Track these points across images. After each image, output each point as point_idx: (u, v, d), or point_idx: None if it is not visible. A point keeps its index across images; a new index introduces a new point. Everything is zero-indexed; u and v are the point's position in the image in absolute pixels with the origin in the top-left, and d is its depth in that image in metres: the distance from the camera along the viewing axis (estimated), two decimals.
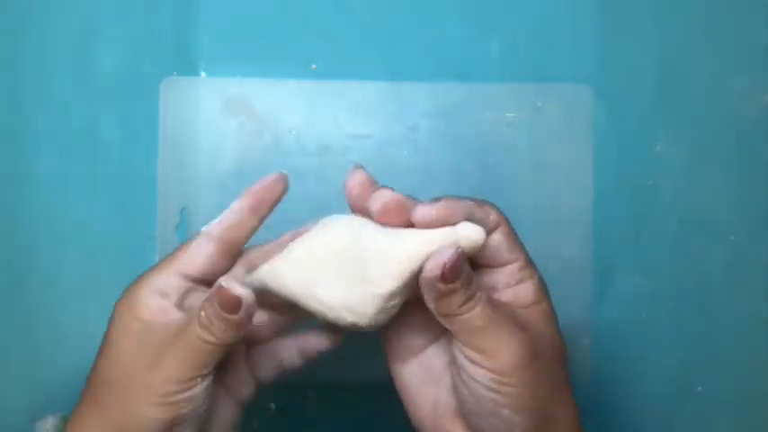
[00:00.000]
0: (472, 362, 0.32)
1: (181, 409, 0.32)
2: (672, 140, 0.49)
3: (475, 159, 0.49)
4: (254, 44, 0.49)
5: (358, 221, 0.34)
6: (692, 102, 0.49)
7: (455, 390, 0.34)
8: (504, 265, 0.35)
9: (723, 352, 0.49)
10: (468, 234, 0.33)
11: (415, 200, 0.34)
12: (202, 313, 0.32)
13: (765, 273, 0.49)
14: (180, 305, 0.35)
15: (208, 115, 0.48)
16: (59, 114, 0.48)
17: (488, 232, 0.34)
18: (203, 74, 0.49)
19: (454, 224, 0.34)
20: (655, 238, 0.49)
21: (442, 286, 0.32)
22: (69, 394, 0.47)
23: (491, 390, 0.32)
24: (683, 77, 0.49)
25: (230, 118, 0.49)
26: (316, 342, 0.38)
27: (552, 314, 0.35)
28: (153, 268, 0.35)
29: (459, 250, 0.32)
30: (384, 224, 0.34)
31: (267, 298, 0.35)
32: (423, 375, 0.36)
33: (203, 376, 0.32)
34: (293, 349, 0.38)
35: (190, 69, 0.49)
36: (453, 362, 0.34)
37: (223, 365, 0.35)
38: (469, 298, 0.32)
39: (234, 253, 0.36)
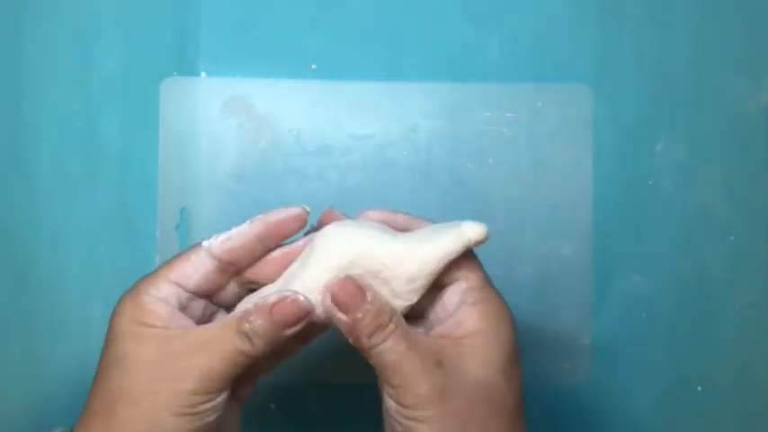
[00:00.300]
0: (388, 395, 0.32)
1: (206, 419, 0.31)
2: (672, 140, 0.49)
3: (475, 159, 0.49)
4: (254, 44, 0.49)
5: (358, 231, 0.34)
6: (692, 102, 0.49)
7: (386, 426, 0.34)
8: (451, 283, 0.34)
9: (723, 352, 0.49)
10: (473, 228, 0.34)
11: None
12: (246, 325, 0.31)
13: (765, 273, 0.49)
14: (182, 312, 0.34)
15: (208, 115, 0.48)
16: (59, 114, 0.48)
17: None
18: (203, 74, 0.49)
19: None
20: (655, 238, 0.49)
21: (342, 316, 0.32)
22: (69, 394, 0.47)
23: (402, 424, 0.32)
24: (682, 77, 0.49)
25: (230, 118, 0.49)
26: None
27: (494, 355, 0.32)
28: (151, 276, 0.34)
29: (343, 277, 0.32)
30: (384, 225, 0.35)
31: None
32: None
33: (229, 386, 0.32)
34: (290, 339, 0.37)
35: (190, 69, 0.49)
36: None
37: None
38: (378, 328, 0.32)
39: (232, 273, 0.35)
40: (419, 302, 0.34)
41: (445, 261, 0.33)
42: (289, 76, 0.49)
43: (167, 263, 0.34)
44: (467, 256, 0.34)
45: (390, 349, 0.32)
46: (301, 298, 0.32)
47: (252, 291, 0.36)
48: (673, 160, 0.49)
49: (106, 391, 0.32)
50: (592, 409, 0.49)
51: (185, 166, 0.48)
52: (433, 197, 0.48)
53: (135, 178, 0.48)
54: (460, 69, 0.49)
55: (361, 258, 0.33)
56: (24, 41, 0.48)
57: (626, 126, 0.49)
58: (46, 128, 0.48)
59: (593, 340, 0.49)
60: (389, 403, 0.32)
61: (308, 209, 0.35)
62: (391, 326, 0.32)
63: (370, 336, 0.32)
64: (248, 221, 0.34)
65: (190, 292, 0.34)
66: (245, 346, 0.31)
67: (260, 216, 0.34)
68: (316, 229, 0.36)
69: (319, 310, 0.33)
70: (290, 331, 0.32)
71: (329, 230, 0.34)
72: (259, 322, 0.31)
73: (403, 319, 0.33)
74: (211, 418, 0.32)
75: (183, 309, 0.34)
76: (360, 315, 0.32)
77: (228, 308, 0.36)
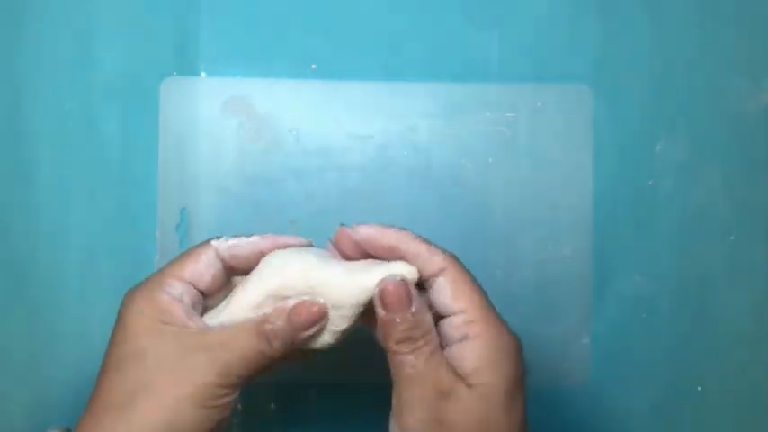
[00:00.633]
0: (393, 404, 0.34)
1: (224, 413, 0.33)
2: (672, 140, 0.49)
3: (475, 159, 0.49)
4: (254, 44, 0.49)
5: (295, 257, 0.35)
6: (692, 102, 0.49)
7: None
8: (449, 314, 0.34)
9: (723, 352, 0.49)
10: (399, 270, 0.34)
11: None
12: (268, 326, 0.33)
13: (765, 273, 0.49)
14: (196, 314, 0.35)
15: (208, 115, 0.48)
16: (59, 114, 0.48)
17: (429, 276, 0.34)
18: (203, 74, 0.49)
19: (390, 260, 0.35)
20: (655, 238, 0.49)
21: (381, 311, 0.33)
22: (69, 394, 0.47)
23: None
24: (682, 77, 0.49)
25: (230, 118, 0.49)
26: None
27: (499, 394, 0.32)
28: (162, 274, 0.34)
29: (400, 279, 0.33)
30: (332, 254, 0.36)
31: None
32: None
33: (247, 383, 0.34)
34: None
35: (190, 69, 0.49)
36: None
37: None
38: (408, 339, 0.33)
39: (230, 276, 0.37)
40: None
41: (368, 294, 0.34)
42: (289, 76, 0.49)
43: (176, 261, 0.35)
44: (465, 285, 0.34)
45: (411, 364, 0.33)
46: (318, 302, 0.34)
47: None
48: (673, 160, 0.49)
49: (124, 383, 0.32)
50: (591, 410, 0.49)
51: (185, 166, 0.48)
52: (432, 197, 0.48)
53: (135, 178, 0.48)
54: (460, 69, 0.49)
55: (293, 282, 0.34)
56: (24, 41, 0.48)
57: (626, 126, 0.49)
58: (46, 128, 0.48)
59: (593, 340, 0.49)
60: (391, 420, 0.34)
61: (312, 242, 0.37)
62: (420, 342, 0.33)
63: (398, 342, 0.33)
64: (259, 236, 0.36)
65: (199, 291, 0.35)
66: (264, 347, 0.33)
67: (270, 235, 0.36)
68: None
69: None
70: (306, 333, 0.34)
71: (271, 255, 0.35)
72: (279, 324, 0.33)
73: (435, 342, 0.33)
74: (228, 412, 0.33)
75: (194, 308, 0.35)
76: (398, 319, 0.33)
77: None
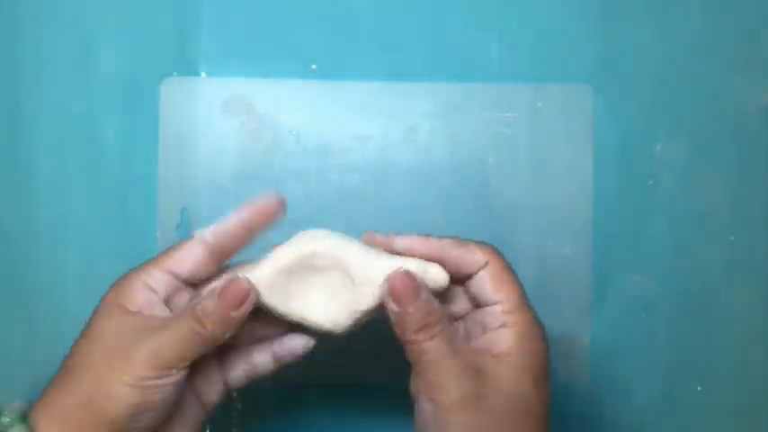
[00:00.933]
0: (423, 395, 0.34)
1: (150, 396, 0.33)
2: (672, 140, 0.49)
3: (475, 159, 0.49)
4: (254, 44, 0.49)
5: (338, 236, 0.37)
6: (692, 102, 0.49)
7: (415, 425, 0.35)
8: (489, 305, 0.36)
9: (723, 352, 0.49)
10: (434, 274, 0.36)
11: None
12: (198, 307, 0.34)
13: (765, 273, 0.49)
14: (167, 301, 0.36)
15: (208, 115, 0.48)
16: (59, 114, 0.48)
17: (470, 273, 0.36)
18: (203, 74, 0.49)
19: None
20: (655, 238, 0.49)
21: (393, 306, 0.34)
22: None
23: (435, 426, 0.33)
24: (682, 77, 0.49)
25: (230, 118, 0.49)
26: (290, 346, 0.38)
27: (529, 369, 0.34)
28: (145, 264, 0.36)
29: (404, 272, 0.34)
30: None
31: None
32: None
33: (180, 369, 0.34)
34: (267, 354, 0.39)
35: (190, 69, 0.49)
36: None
37: (194, 366, 0.35)
38: (426, 326, 0.34)
39: (222, 260, 0.37)
40: (458, 316, 0.37)
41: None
42: (289, 76, 0.49)
43: (163, 252, 0.36)
44: (505, 277, 0.36)
45: (434, 349, 0.34)
46: (242, 279, 0.35)
47: None
48: (673, 160, 0.49)
49: (69, 359, 0.35)
50: (591, 409, 0.49)
51: (185, 166, 0.48)
52: (432, 197, 0.48)
53: (135, 178, 0.48)
54: (460, 69, 0.49)
55: (324, 250, 0.36)
56: (24, 41, 0.48)
57: (626, 126, 0.49)
58: (46, 128, 0.48)
59: (593, 340, 0.49)
60: (424, 404, 0.34)
61: (284, 196, 0.37)
62: (438, 327, 0.34)
63: (417, 331, 0.34)
64: (234, 211, 0.37)
65: (181, 281, 0.36)
66: (198, 327, 0.34)
67: (244, 206, 0.37)
68: None
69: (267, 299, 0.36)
70: (236, 313, 0.34)
71: (304, 232, 0.37)
72: (209, 303, 0.34)
73: (448, 324, 0.35)
74: (156, 397, 0.33)
75: (170, 298, 0.36)
76: (411, 310, 0.34)
77: None
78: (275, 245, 0.37)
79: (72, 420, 0.33)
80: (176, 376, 0.34)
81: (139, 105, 0.48)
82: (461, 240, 0.37)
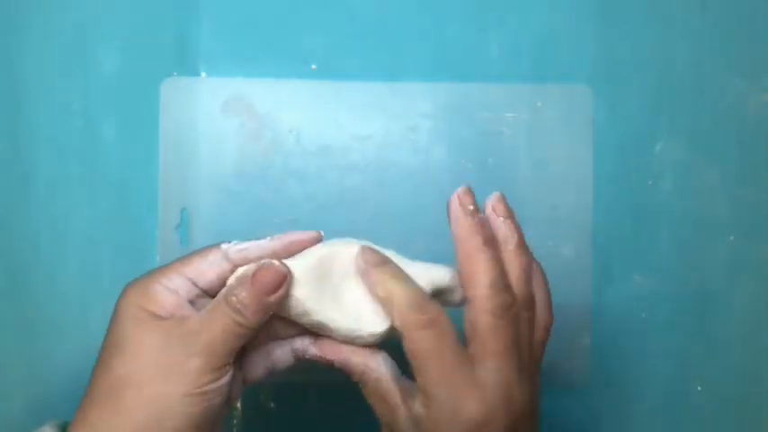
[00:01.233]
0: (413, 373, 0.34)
1: (212, 400, 0.32)
2: (672, 140, 0.49)
3: (475, 159, 0.49)
4: (254, 44, 0.49)
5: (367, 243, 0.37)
6: (692, 102, 0.49)
7: None
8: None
9: (723, 352, 0.49)
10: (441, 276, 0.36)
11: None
12: (234, 298, 0.33)
13: (765, 273, 0.49)
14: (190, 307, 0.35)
15: (208, 115, 0.48)
16: (59, 114, 0.48)
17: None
18: (203, 74, 0.49)
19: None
20: (654, 238, 0.49)
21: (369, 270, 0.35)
22: (69, 395, 0.47)
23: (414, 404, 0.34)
24: (682, 77, 0.49)
25: (230, 118, 0.49)
26: (310, 341, 0.38)
27: (502, 379, 0.33)
28: (165, 267, 0.35)
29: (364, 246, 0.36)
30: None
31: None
32: None
33: (231, 364, 0.33)
34: (287, 349, 0.38)
35: (190, 69, 0.49)
36: None
37: None
38: (425, 324, 0.33)
39: None
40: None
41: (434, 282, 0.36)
42: (289, 76, 0.49)
43: (184, 258, 0.35)
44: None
45: (424, 344, 0.34)
46: (276, 263, 0.34)
47: None
48: (673, 160, 0.49)
49: (110, 376, 0.32)
50: (591, 410, 0.49)
51: (185, 166, 0.48)
52: (432, 197, 0.48)
53: (135, 178, 0.48)
54: (460, 69, 0.49)
55: (347, 258, 0.36)
56: (24, 41, 0.48)
57: (626, 126, 0.49)
58: (46, 128, 0.48)
59: (593, 340, 0.49)
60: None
61: (322, 233, 0.37)
62: (439, 328, 0.34)
63: (416, 329, 0.34)
64: (268, 238, 0.36)
65: (201, 289, 0.35)
66: (238, 317, 0.33)
67: (279, 236, 0.36)
68: None
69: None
70: (273, 297, 0.33)
71: (332, 241, 0.37)
72: (243, 294, 0.33)
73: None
74: (217, 400, 0.33)
75: (194, 304, 0.35)
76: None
77: None
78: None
79: None
80: (228, 373, 0.33)
81: (139, 105, 0.48)
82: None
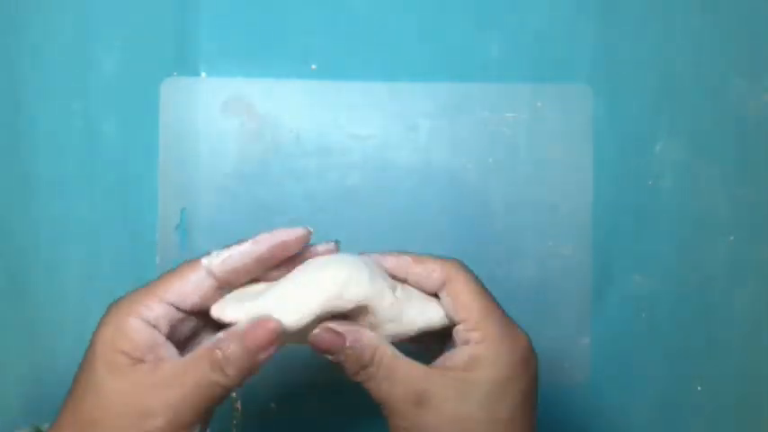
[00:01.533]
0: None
1: None
2: (672, 140, 0.49)
3: (475, 159, 0.49)
4: (254, 44, 0.49)
5: (359, 267, 0.34)
6: (692, 102, 0.49)
7: None
8: (456, 324, 0.34)
9: (723, 352, 0.49)
10: (432, 315, 0.35)
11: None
12: (219, 353, 0.31)
13: (765, 273, 0.49)
14: (171, 336, 0.33)
15: (208, 115, 0.48)
16: (59, 114, 0.48)
17: (433, 293, 0.35)
18: (203, 74, 0.49)
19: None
20: (654, 238, 0.49)
21: (328, 357, 0.33)
22: None
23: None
24: (683, 77, 0.49)
25: (230, 118, 0.49)
26: None
27: (479, 388, 0.32)
28: (141, 293, 0.32)
29: (325, 327, 0.33)
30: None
31: None
32: None
33: (203, 420, 0.32)
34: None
35: (190, 69, 0.49)
36: None
37: None
38: (361, 368, 0.33)
39: (230, 290, 0.34)
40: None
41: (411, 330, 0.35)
42: (289, 76, 0.49)
43: (162, 279, 0.33)
44: (466, 296, 0.34)
45: (375, 388, 0.33)
46: (272, 323, 0.32)
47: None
48: (673, 160, 0.49)
49: (79, 414, 0.31)
50: (592, 409, 0.49)
51: (185, 166, 0.48)
52: (432, 197, 0.48)
53: (135, 178, 0.48)
54: (460, 69, 0.49)
55: (349, 298, 0.33)
56: (24, 41, 0.48)
57: (626, 126, 0.49)
58: (46, 128, 0.48)
59: (593, 340, 0.49)
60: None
61: (311, 229, 0.34)
62: (372, 369, 0.33)
63: (355, 374, 0.33)
64: (251, 241, 0.33)
65: (184, 312, 0.33)
66: (218, 377, 0.31)
67: (262, 236, 0.33)
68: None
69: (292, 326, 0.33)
70: (264, 355, 0.32)
71: (335, 258, 0.34)
72: (232, 348, 0.31)
73: (388, 353, 0.33)
74: None
75: (173, 330, 0.33)
76: (342, 357, 0.33)
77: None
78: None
79: None
80: (197, 427, 0.31)
81: (139, 105, 0.48)
82: (421, 257, 0.35)
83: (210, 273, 0.33)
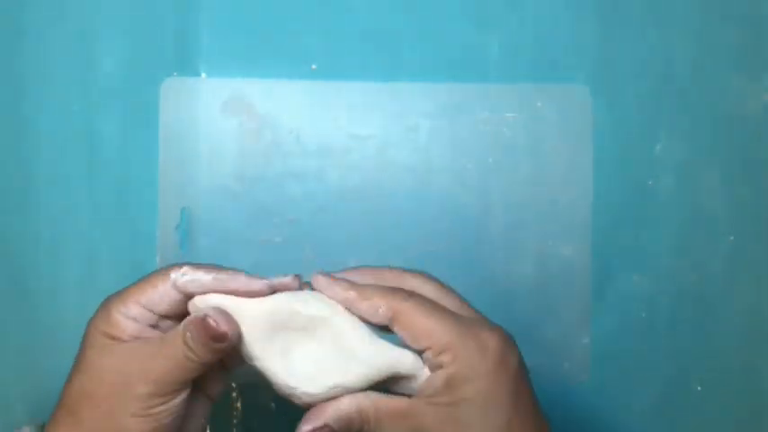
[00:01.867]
0: None
1: (162, 420, 0.33)
2: (672, 140, 0.49)
3: (475, 159, 0.49)
4: (254, 44, 0.49)
5: (338, 306, 0.34)
6: (692, 102, 0.49)
7: None
8: (421, 352, 0.34)
9: (723, 352, 0.49)
10: (405, 362, 0.34)
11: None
12: (188, 334, 0.33)
13: (765, 273, 0.49)
14: (155, 327, 0.35)
15: (208, 115, 0.48)
16: (59, 114, 0.48)
17: (384, 328, 0.34)
18: (203, 74, 0.49)
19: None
20: (654, 238, 0.49)
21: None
22: None
23: None
24: (682, 77, 0.49)
25: (230, 118, 0.49)
26: None
27: (469, 409, 0.32)
28: (123, 295, 0.35)
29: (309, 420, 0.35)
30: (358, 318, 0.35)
31: None
32: None
33: (183, 390, 0.34)
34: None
35: (190, 69, 0.49)
36: None
37: None
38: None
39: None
40: None
41: (391, 366, 0.34)
42: (289, 76, 0.49)
43: (137, 284, 0.35)
44: (420, 324, 0.33)
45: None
46: (224, 320, 0.33)
47: None
48: (673, 160, 0.49)
49: (73, 392, 0.34)
50: (591, 409, 0.49)
51: (185, 166, 0.48)
52: (432, 197, 0.48)
53: (135, 178, 0.48)
54: (460, 69, 0.49)
55: (326, 325, 0.34)
56: (25, 41, 0.48)
57: (626, 126, 0.49)
58: (46, 128, 0.48)
59: (593, 340, 0.49)
60: None
61: (268, 283, 0.34)
62: (367, 428, 0.34)
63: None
64: (214, 274, 0.34)
65: (159, 315, 0.35)
66: (189, 353, 0.33)
67: (227, 275, 0.34)
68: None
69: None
70: (219, 345, 0.33)
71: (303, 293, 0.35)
72: (194, 334, 0.33)
73: (368, 405, 0.34)
74: (167, 420, 0.34)
75: (155, 327, 0.35)
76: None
77: None
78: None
79: None
80: (182, 395, 0.34)
81: (139, 105, 0.48)
82: (365, 290, 0.34)
83: (180, 289, 0.35)
